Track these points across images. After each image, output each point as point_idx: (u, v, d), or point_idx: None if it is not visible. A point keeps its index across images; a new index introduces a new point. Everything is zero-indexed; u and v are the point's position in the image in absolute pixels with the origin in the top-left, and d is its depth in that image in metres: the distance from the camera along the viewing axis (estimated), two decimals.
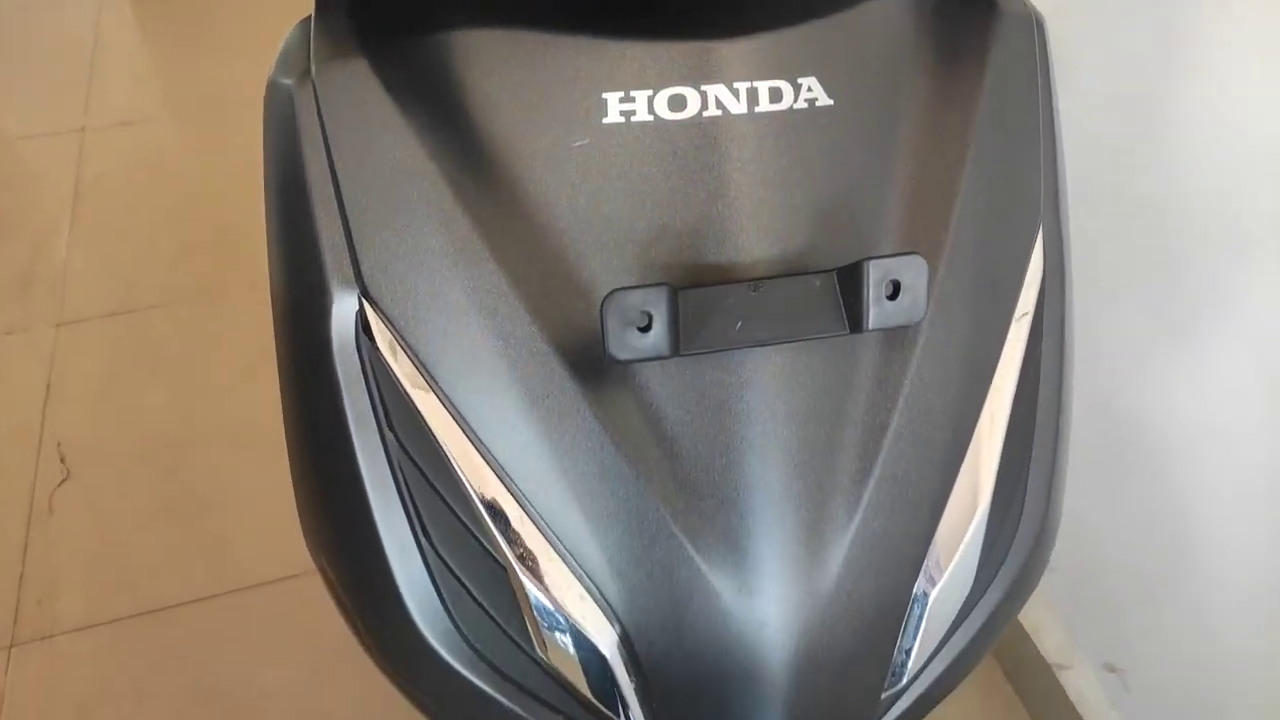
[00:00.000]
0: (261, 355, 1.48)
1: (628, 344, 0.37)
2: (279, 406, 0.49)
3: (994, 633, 0.48)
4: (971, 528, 0.44)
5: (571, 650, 0.42)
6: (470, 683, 0.44)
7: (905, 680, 0.45)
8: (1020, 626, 1.08)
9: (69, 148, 1.90)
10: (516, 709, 0.44)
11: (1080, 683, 1.03)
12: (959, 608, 0.45)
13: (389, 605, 0.44)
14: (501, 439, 0.41)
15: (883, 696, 0.45)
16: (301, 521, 0.49)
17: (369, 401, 0.43)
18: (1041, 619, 1.08)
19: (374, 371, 0.43)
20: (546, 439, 0.41)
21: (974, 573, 0.45)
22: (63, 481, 1.34)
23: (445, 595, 0.43)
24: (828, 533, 0.41)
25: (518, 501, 0.41)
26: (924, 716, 0.49)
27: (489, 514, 0.41)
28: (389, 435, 0.43)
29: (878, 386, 0.43)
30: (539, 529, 0.41)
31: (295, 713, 1.12)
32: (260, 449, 1.35)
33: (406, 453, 0.43)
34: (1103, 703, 1.01)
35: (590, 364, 0.41)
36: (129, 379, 1.48)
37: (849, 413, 0.42)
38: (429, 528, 0.43)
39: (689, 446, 0.41)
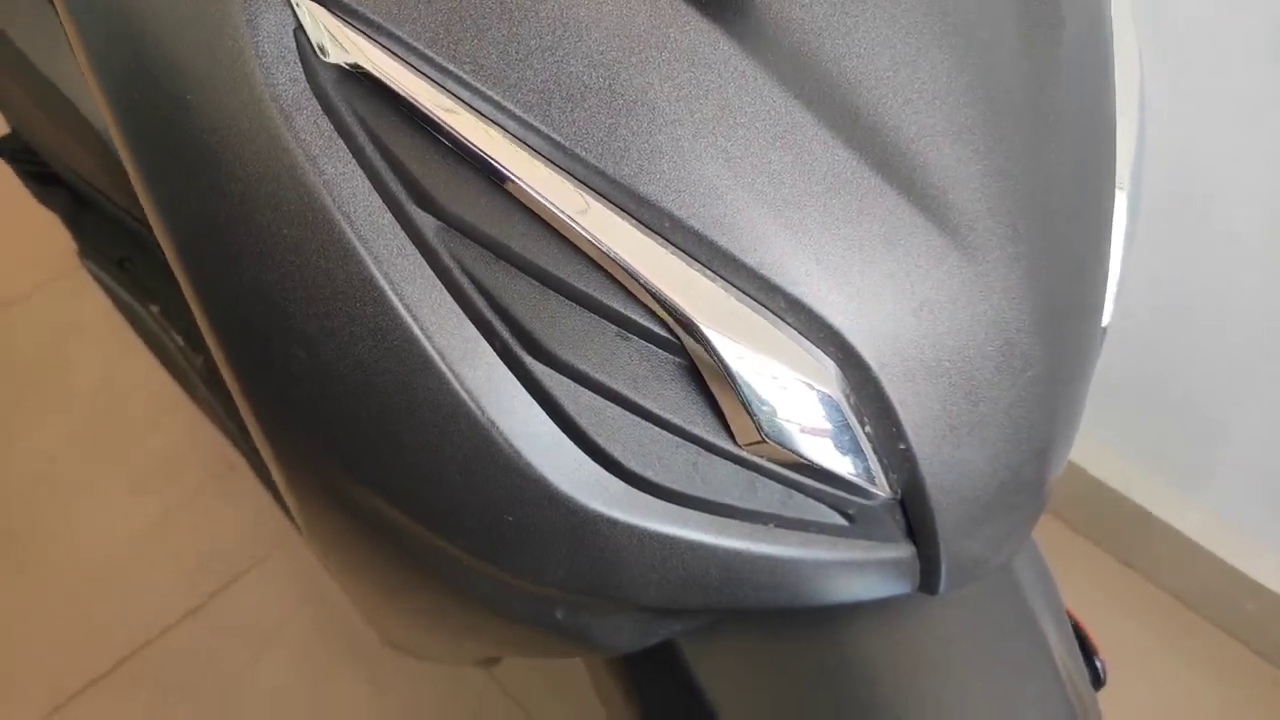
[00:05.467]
0: None
1: None
2: None
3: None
4: (1137, 111, 0.36)
5: (783, 410, 0.29)
6: (637, 529, 0.30)
7: (1109, 310, 0.37)
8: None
9: None
10: (702, 537, 0.31)
11: None
12: (1134, 217, 0.38)
13: (498, 472, 0.29)
14: (626, 148, 0.27)
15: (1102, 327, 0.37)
16: (288, 456, 0.32)
17: (367, 177, 0.27)
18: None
19: (360, 122, 0.27)
20: (683, 118, 0.27)
21: (1141, 169, 0.37)
22: None
23: (571, 414, 0.29)
24: (1043, 134, 0.31)
25: (664, 233, 0.27)
26: None
27: (631, 263, 0.27)
28: (420, 216, 0.27)
29: None
30: (701, 258, 0.28)
31: None
32: None
33: (464, 228, 0.27)
34: None
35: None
36: None
37: None
38: (527, 327, 0.28)
39: (858, 64, 0.29)
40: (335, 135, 0.27)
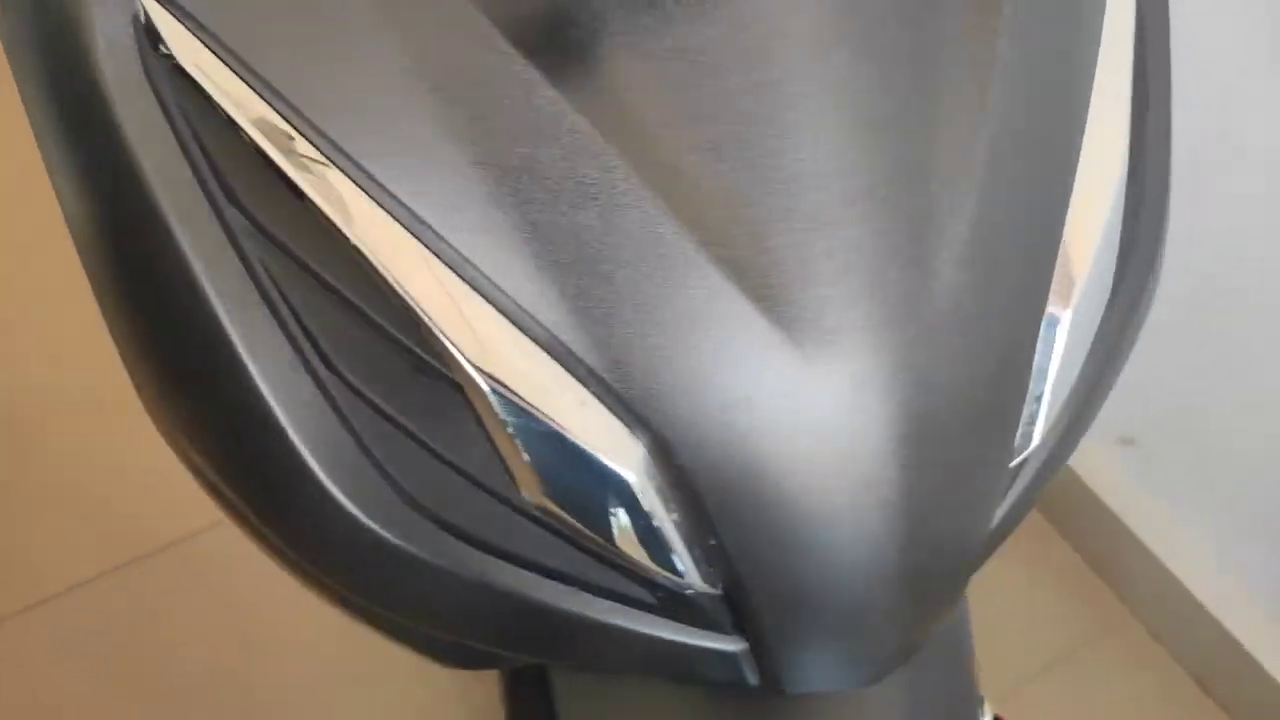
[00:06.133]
0: None
1: None
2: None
3: (1125, 354, 0.36)
4: (1109, 208, 0.31)
5: (575, 481, 0.28)
6: (420, 560, 0.29)
7: (1036, 440, 0.32)
8: None
9: None
10: (506, 586, 0.30)
11: (1094, 464, 0.95)
12: (1097, 326, 0.33)
13: (283, 470, 0.29)
14: (421, 179, 0.26)
15: (1011, 466, 0.32)
16: (138, 390, 0.34)
17: (189, 169, 0.27)
18: None
19: (185, 115, 0.27)
20: (488, 160, 0.26)
21: (1111, 274, 0.32)
22: None
23: (364, 439, 0.28)
24: (933, 233, 0.28)
25: (459, 272, 0.26)
26: (1045, 487, 0.37)
27: (415, 297, 0.26)
28: (232, 214, 0.27)
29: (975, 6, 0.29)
30: (500, 307, 0.26)
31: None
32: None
33: (266, 234, 0.27)
34: (1122, 480, 0.93)
35: (549, 29, 0.26)
36: None
37: (940, 36, 0.28)
38: (320, 342, 0.28)
39: (711, 130, 0.27)
40: (165, 124, 0.27)
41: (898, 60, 0.28)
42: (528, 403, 0.27)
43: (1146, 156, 0.35)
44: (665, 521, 0.28)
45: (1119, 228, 0.32)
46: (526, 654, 0.34)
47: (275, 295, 0.27)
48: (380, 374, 0.28)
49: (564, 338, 0.26)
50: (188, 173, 0.27)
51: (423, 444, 0.28)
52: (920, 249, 0.27)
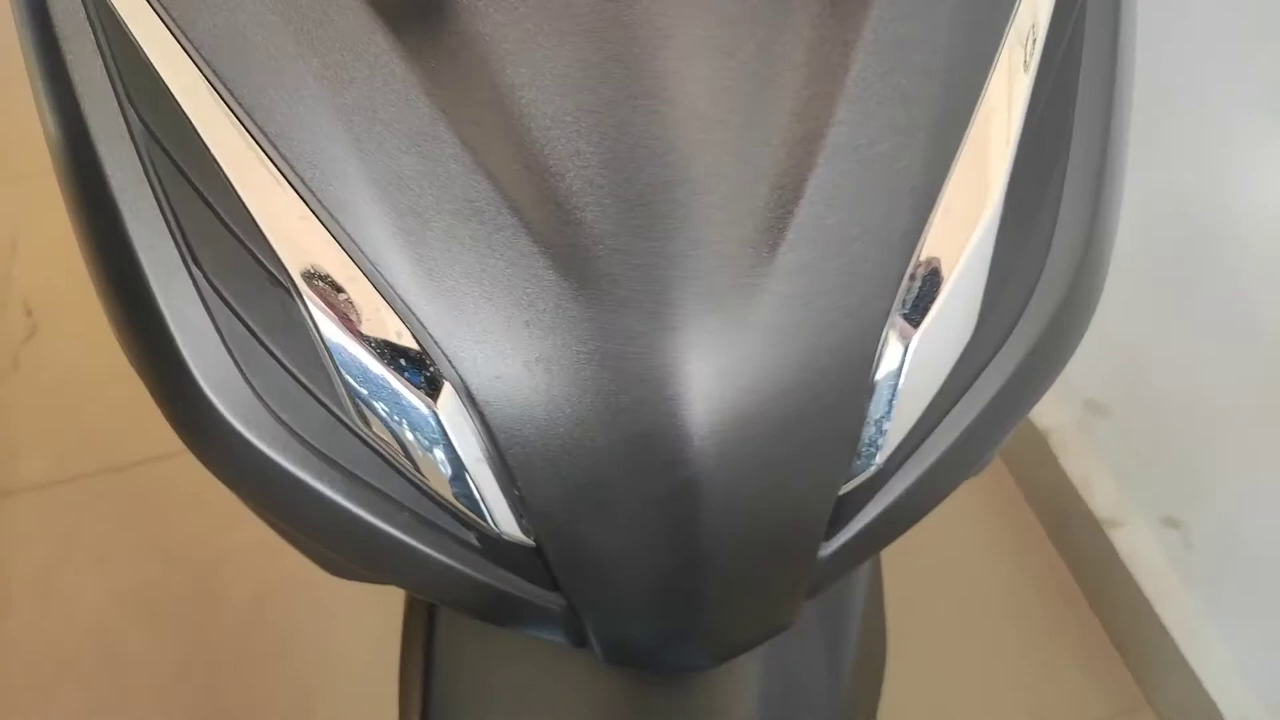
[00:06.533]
0: None
1: None
2: None
3: (1021, 403, 0.34)
4: (976, 236, 0.30)
5: (391, 411, 0.30)
6: (274, 462, 0.32)
7: (878, 462, 0.32)
8: (1065, 478, 0.95)
9: None
10: (342, 500, 0.32)
11: (1134, 540, 0.90)
12: (957, 357, 0.32)
13: (167, 358, 0.32)
14: (273, 107, 0.28)
15: (843, 491, 0.32)
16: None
17: (104, 68, 0.31)
18: (1089, 470, 0.94)
19: (100, 16, 0.30)
20: (329, 97, 0.28)
21: (978, 305, 0.31)
22: (29, 338, 1.26)
23: (229, 342, 0.31)
24: (760, 228, 0.28)
25: (297, 190, 0.28)
26: (914, 522, 0.36)
27: (262, 214, 0.29)
28: (130, 113, 0.30)
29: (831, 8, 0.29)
30: (329, 229, 0.28)
31: (254, 578, 1.04)
32: None
33: (153, 136, 0.30)
34: (1159, 562, 0.88)
35: None
36: None
37: (793, 39, 0.28)
38: (193, 243, 0.30)
39: (542, 100, 0.28)
40: (88, 26, 0.30)
41: (743, 58, 0.28)
42: (346, 325, 0.29)
43: (1067, 177, 0.33)
44: (480, 464, 0.30)
45: (989, 254, 0.31)
46: (368, 572, 0.36)
47: (159, 190, 0.30)
48: (233, 279, 0.30)
49: (383, 269, 0.28)
50: (102, 71, 0.30)
51: (271, 353, 0.31)
52: (738, 247, 0.28)
